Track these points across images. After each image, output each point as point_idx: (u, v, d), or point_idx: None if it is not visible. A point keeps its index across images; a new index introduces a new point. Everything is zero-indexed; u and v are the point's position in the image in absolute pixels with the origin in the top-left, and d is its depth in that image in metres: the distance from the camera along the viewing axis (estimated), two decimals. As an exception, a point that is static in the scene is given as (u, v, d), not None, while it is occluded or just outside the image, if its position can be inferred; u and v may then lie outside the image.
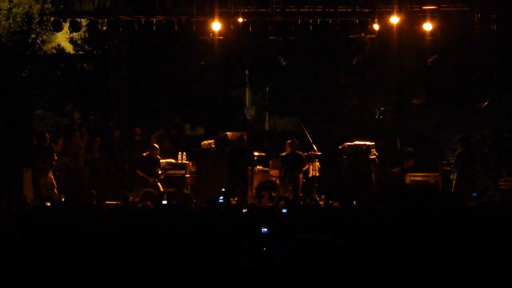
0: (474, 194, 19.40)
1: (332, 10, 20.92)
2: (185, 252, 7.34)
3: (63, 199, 18.26)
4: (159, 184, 19.67)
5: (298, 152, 19.88)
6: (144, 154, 20.04)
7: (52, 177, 19.25)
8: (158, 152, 20.04)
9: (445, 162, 20.89)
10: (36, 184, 18.96)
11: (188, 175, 20.65)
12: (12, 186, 18.41)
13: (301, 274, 5.57)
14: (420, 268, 3.35)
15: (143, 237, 8.00)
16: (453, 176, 22.24)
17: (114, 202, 17.63)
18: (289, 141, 20.26)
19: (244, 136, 20.04)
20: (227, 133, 21.30)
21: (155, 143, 21.08)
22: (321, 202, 19.67)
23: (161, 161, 20.28)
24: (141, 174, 19.67)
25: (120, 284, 6.42)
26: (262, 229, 8.69)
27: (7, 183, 18.39)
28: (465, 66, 22.11)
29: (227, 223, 10.05)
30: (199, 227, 9.02)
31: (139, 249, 7.32)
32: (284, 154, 20.17)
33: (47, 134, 19.65)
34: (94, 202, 16.19)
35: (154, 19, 21.30)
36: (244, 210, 12.90)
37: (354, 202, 14.73)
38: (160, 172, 19.85)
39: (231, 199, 18.40)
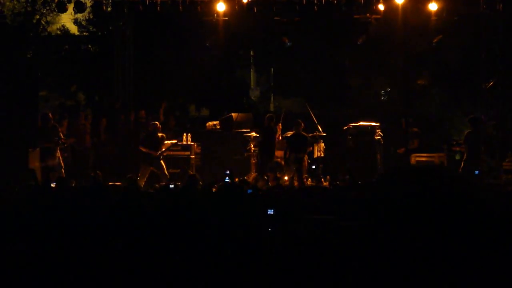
0: (476, 172, 19.40)
1: (337, -11, 20.86)
2: (190, 233, 7.35)
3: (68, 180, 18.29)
4: (162, 163, 19.57)
5: (302, 133, 19.87)
6: (146, 130, 20.04)
7: (60, 157, 19.29)
8: (160, 129, 19.94)
9: (454, 142, 20.85)
10: (44, 164, 19.00)
11: (193, 156, 20.66)
12: (17, 166, 18.45)
13: (306, 255, 5.58)
14: (427, 250, 3.36)
15: (149, 219, 8.02)
16: (458, 157, 22.22)
17: (118, 183, 17.66)
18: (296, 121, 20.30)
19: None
20: (232, 114, 21.31)
21: (162, 118, 21.15)
22: (326, 183, 19.74)
23: (165, 142, 20.27)
24: (144, 150, 19.59)
25: (127, 266, 6.43)
26: (268, 210, 8.72)
27: (12, 164, 18.42)
28: (470, 46, 22.04)
29: (233, 204, 10.08)
30: (203, 208, 9.04)
31: (145, 230, 7.33)
32: (288, 135, 20.16)
33: (50, 114, 19.66)
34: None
35: (159, 0, 21.25)
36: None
37: (360, 182, 14.76)
38: (163, 149, 19.76)
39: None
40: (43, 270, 6.45)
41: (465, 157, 19.62)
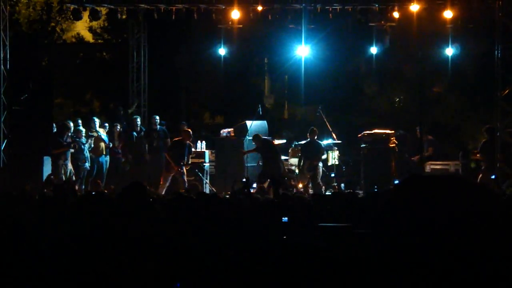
0: (493, 177, 19.32)
1: (352, -3, 20.86)
2: (204, 240, 7.32)
3: (76, 187, 18.33)
4: (184, 170, 19.55)
5: (316, 140, 19.84)
6: (176, 138, 20.01)
7: (72, 165, 19.33)
8: (191, 139, 19.92)
9: (475, 151, 20.78)
10: (55, 172, 19.04)
11: (208, 164, 20.66)
12: (32, 174, 18.52)
13: (321, 262, 5.54)
14: (445, 259, 3.33)
15: (162, 226, 7.99)
16: (473, 165, 22.11)
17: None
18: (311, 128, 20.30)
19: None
20: (246, 121, 21.30)
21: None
22: (340, 191, 19.68)
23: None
24: (167, 158, 19.62)
25: (136, 272, 6.40)
26: (283, 219, 8.70)
27: (26, 171, 18.49)
28: (486, 54, 21.95)
29: (248, 212, 10.05)
30: (220, 215, 9.01)
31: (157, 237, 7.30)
32: (303, 142, 20.14)
33: (68, 124, 19.71)
34: (106, 191, 16.19)
35: (174, 8, 21.28)
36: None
37: (375, 189, 14.72)
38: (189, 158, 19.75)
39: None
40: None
41: (483, 167, 19.55)
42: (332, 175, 20.14)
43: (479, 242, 3.43)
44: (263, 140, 19.77)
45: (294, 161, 20.20)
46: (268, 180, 18.19)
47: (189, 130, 20.07)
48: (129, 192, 9.25)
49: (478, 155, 20.45)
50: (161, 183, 19.31)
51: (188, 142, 19.78)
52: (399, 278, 3.62)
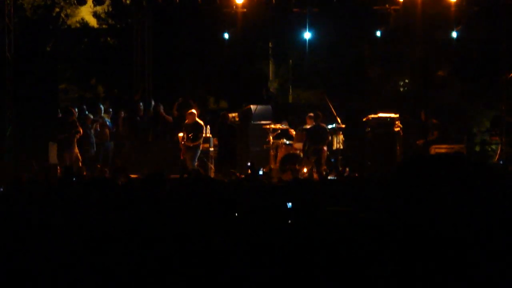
0: (501, 162, 19.41)
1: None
2: (208, 225, 7.35)
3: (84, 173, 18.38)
4: (193, 158, 19.65)
5: (322, 124, 19.83)
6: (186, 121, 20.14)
7: (77, 151, 19.36)
8: (195, 116, 19.91)
9: (493, 132, 20.83)
10: (61, 157, 19.09)
11: (212, 149, 20.66)
12: (38, 159, 18.56)
13: (325, 247, 5.57)
14: (449, 240, 3.34)
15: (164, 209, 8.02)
16: (478, 148, 22.16)
17: (137, 176, 17.70)
18: (310, 114, 20.29)
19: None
20: (251, 106, 21.29)
21: (176, 114, 21.20)
22: (345, 175, 19.69)
23: (181, 134, 20.32)
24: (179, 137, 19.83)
25: (145, 256, 6.43)
26: (287, 204, 8.71)
27: (32, 156, 18.54)
28: (491, 37, 21.91)
29: (252, 196, 10.08)
30: (224, 199, 9.04)
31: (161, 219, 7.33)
32: (308, 127, 20.14)
33: (73, 110, 19.74)
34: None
35: (178, -8, 21.24)
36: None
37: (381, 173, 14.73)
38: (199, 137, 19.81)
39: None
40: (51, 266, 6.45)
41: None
42: (332, 160, 20.11)
43: (481, 219, 3.45)
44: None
45: (299, 145, 20.19)
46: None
47: (192, 110, 20.06)
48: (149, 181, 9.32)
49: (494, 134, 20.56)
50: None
51: (191, 122, 19.79)
52: (405, 258, 3.65)
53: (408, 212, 3.70)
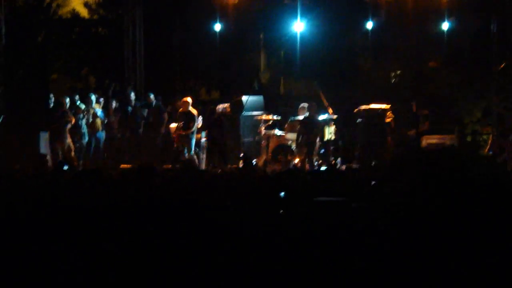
0: (490, 152, 19.49)
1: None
2: (200, 216, 7.36)
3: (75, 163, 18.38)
4: (187, 147, 19.74)
5: (315, 116, 19.85)
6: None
7: (70, 141, 19.34)
8: (189, 105, 19.93)
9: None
10: (52, 147, 19.07)
11: (204, 139, 20.66)
12: (28, 149, 18.53)
13: (317, 237, 5.59)
14: (440, 232, 3.36)
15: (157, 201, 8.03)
16: (469, 138, 22.22)
17: (129, 166, 17.70)
18: (302, 105, 20.32)
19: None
20: (243, 97, 21.29)
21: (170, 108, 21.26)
22: (336, 166, 19.73)
23: (173, 125, 20.32)
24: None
25: (134, 248, 6.44)
26: (280, 193, 8.73)
27: (23, 147, 18.50)
28: (482, 28, 21.93)
29: (244, 186, 10.08)
30: (216, 190, 9.05)
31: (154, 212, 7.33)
32: (300, 118, 20.14)
33: (63, 100, 19.70)
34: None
35: (169, -17, 21.22)
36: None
37: (373, 163, 14.78)
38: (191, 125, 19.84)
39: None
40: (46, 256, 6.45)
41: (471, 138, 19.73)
42: (322, 151, 20.09)
43: (474, 212, 3.47)
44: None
45: (290, 136, 20.19)
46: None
47: (187, 99, 20.07)
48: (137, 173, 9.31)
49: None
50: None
51: (185, 110, 19.84)
52: (395, 250, 3.68)
53: (400, 206, 3.73)
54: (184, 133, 19.78)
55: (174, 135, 20.03)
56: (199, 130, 20.50)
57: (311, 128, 19.73)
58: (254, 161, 18.23)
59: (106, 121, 21.16)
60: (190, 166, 15.31)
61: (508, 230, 3.44)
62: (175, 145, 20.03)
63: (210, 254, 6.28)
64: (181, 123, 19.78)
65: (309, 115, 19.83)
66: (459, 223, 3.54)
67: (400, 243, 3.70)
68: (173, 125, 20.67)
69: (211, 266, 6.08)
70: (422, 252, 3.60)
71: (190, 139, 19.78)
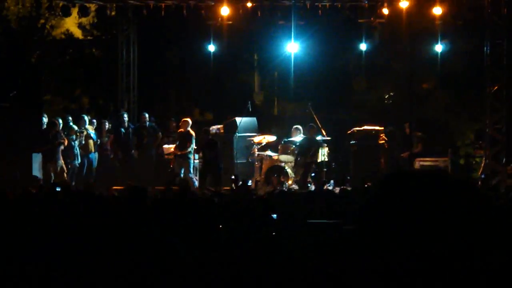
0: (483, 176, 19.47)
1: (341, -6, 20.89)
2: (194, 237, 7.32)
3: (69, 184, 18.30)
4: (181, 162, 19.83)
5: (312, 138, 19.86)
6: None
7: (63, 162, 19.29)
8: (188, 125, 20.06)
9: (477, 145, 20.97)
10: (45, 169, 19.02)
11: (197, 160, 20.64)
12: (21, 170, 18.45)
13: (310, 259, 5.54)
14: (428, 254, 3.34)
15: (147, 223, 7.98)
16: (462, 161, 22.21)
17: (121, 188, 17.63)
18: (295, 127, 20.36)
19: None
20: (236, 118, 21.28)
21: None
22: (329, 187, 19.71)
23: (168, 146, 20.35)
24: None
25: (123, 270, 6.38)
26: (272, 215, 8.70)
27: (16, 168, 18.42)
28: (475, 50, 22.00)
29: (235, 208, 10.04)
30: (206, 212, 9.01)
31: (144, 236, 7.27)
32: (294, 139, 20.13)
33: (56, 121, 19.68)
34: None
35: (163, 4, 21.26)
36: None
37: (366, 185, 14.75)
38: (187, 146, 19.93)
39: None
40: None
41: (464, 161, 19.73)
42: (313, 174, 20.03)
43: (462, 239, 3.44)
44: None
45: (284, 157, 20.17)
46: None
47: (187, 119, 20.23)
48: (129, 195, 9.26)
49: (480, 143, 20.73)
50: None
51: (183, 130, 19.98)
52: (384, 274, 3.63)
53: (387, 227, 3.69)
54: (179, 153, 19.82)
55: (170, 156, 20.09)
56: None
57: (310, 150, 19.72)
58: (249, 182, 18.16)
59: (99, 142, 21.13)
60: (185, 188, 15.27)
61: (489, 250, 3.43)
62: (171, 166, 20.05)
63: (202, 276, 6.22)
64: (176, 143, 19.88)
65: (309, 136, 19.84)
66: (447, 248, 3.50)
67: (390, 266, 3.66)
68: (166, 146, 20.66)
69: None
70: (412, 274, 3.57)
71: (188, 159, 19.81)
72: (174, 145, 20.18)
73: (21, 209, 9.74)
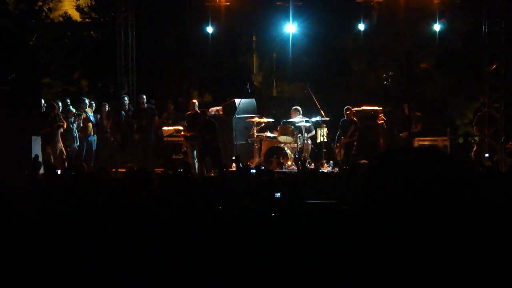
0: (487, 155, 19.55)
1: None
2: (196, 218, 7.37)
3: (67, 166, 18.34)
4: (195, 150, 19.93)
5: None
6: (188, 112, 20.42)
7: (62, 145, 19.32)
8: (195, 106, 20.26)
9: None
10: (44, 151, 19.04)
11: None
12: (21, 154, 18.47)
13: (309, 239, 5.60)
14: (432, 236, 3.36)
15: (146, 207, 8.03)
16: (461, 140, 22.24)
17: (123, 170, 17.67)
18: (294, 108, 20.43)
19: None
20: (235, 99, 21.29)
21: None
22: (328, 168, 19.79)
23: (167, 128, 20.41)
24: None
25: (128, 255, 6.44)
26: (276, 194, 8.75)
27: (15, 151, 18.45)
28: (473, 30, 21.99)
29: (238, 188, 10.10)
30: (209, 193, 9.06)
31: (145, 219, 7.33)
32: (293, 120, 20.18)
33: (56, 104, 19.68)
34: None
35: (161, -15, 21.23)
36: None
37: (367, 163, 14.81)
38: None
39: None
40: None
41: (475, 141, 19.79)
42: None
43: (452, 211, 3.49)
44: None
45: (283, 138, 20.19)
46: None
47: (193, 101, 20.42)
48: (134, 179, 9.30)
49: (474, 127, 20.75)
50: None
51: (192, 112, 20.11)
52: (376, 252, 3.69)
53: (379, 203, 3.74)
54: (188, 135, 19.93)
55: (181, 138, 20.26)
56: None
57: (347, 130, 20.11)
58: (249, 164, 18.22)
59: (97, 124, 21.15)
60: (187, 169, 15.38)
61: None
62: (183, 148, 20.20)
63: (204, 256, 6.29)
64: (186, 125, 20.01)
65: (347, 118, 20.24)
66: (438, 221, 3.56)
67: (388, 245, 3.72)
68: (166, 129, 20.69)
69: (204, 267, 6.09)
70: (411, 252, 3.62)
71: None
72: (169, 128, 20.21)
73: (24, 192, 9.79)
